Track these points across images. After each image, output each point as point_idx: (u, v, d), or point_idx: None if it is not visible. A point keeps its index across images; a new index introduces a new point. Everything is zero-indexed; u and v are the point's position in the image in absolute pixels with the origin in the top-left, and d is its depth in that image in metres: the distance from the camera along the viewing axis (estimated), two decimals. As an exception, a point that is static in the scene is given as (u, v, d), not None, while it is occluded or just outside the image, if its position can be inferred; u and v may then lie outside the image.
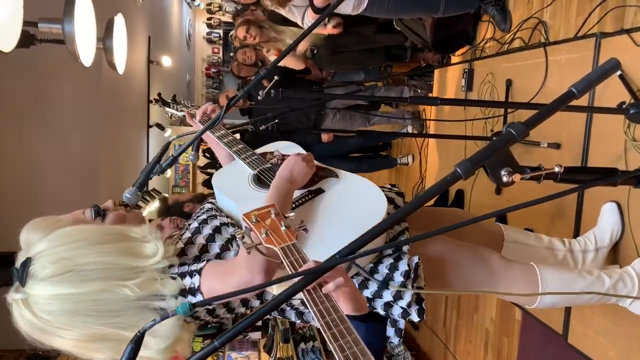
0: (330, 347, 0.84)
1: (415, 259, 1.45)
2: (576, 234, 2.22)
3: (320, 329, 0.87)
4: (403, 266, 1.43)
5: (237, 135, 2.17)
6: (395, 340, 1.46)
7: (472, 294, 3.14)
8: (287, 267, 1.02)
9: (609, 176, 1.06)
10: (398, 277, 1.41)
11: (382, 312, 1.43)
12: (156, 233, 1.30)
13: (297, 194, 1.50)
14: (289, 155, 1.55)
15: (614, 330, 1.99)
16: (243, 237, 1.10)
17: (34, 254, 1.21)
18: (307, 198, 1.50)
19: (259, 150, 1.78)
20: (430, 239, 1.58)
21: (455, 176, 0.78)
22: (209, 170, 5.90)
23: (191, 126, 2.10)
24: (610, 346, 2.01)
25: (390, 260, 1.45)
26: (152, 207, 5.10)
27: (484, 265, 1.58)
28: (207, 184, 5.71)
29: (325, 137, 4.29)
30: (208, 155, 5.61)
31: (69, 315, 1.17)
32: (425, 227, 1.65)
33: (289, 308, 1.53)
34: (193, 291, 1.25)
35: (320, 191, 1.53)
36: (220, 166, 1.92)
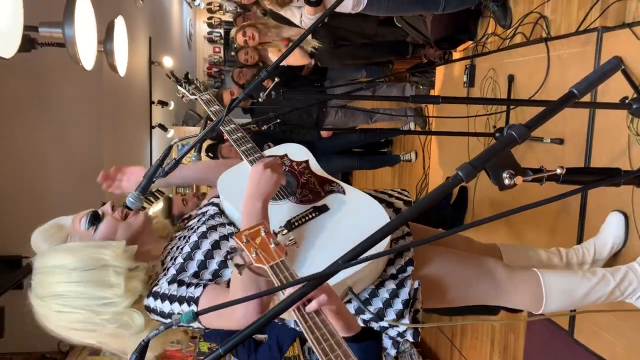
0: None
1: (416, 284, 1.44)
2: (580, 233, 2.21)
3: (311, 344, 0.88)
4: (404, 294, 1.42)
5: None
6: (392, 352, 1.46)
7: (467, 324, 3.14)
8: (277, 284, 1.03)
9: (611, 176, 1.06)
10: (398, 304, 1.42)
11: (377, 329, 1.44)
12: (126, 261, 1.38)
13: (302, 209, 1.47)
14: (299, 162, 1.55)
15: (620, 326, 1.98)
16: (233, 259, 1.13)
17: (35, 268, 1.38)
18: (311, 216, 1.47)
19: (268, 153, 1.72)
20: (434, 252, 1.58)
21: (457, 180, 0.78)
22: (212, 170, 5.88)
23: (192, 125, 2.10)
24: (616, 342, 2.00)
25: (393, 285, 1.44)
26: (156, 208, 5.11)
27: (488, 275, 1.58)
28: (211, 183, 5.69)
29: (325, 133, 4.29)
30: (211, 156, 5.61)
31: (62, 330, 1.38)
32: (428, 246, 1.63)
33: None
34: None
35: (325, 208, 1.49)
36: None
